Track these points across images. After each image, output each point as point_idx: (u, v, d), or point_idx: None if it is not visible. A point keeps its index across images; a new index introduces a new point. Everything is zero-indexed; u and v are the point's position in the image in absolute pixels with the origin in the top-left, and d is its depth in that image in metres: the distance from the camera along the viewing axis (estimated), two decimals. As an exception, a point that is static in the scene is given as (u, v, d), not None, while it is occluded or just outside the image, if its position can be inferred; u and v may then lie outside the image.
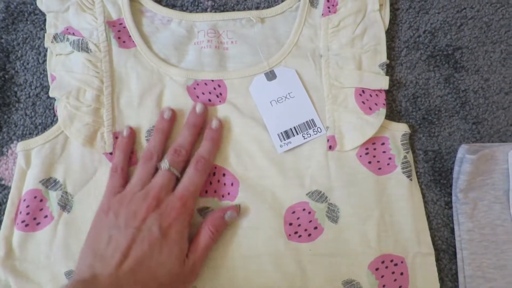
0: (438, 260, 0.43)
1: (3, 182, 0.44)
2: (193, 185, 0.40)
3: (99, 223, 0.38)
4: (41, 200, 0.42)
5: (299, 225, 0.43)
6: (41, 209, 0.42)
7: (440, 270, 0.42)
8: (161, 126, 0.43)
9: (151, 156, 0.40)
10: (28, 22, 0.48)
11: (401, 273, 0.42)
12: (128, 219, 0.37)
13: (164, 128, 0.43)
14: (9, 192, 0.43)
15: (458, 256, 0.43)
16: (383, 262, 0.42)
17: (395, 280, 0.42)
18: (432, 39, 0.49)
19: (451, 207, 0.44)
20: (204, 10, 0.49)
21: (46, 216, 0.42)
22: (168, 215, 0.37)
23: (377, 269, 0.42)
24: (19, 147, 0.43)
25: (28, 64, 0.47)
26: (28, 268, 0.41)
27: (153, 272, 0.35)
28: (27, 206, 0.42)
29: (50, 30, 0.46)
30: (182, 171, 0.41)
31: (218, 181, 0.44)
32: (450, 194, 0.45)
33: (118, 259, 0.34)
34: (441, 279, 0.42)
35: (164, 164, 0.39)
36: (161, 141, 0.42)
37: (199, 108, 0.43)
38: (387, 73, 0.46)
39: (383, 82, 0.45)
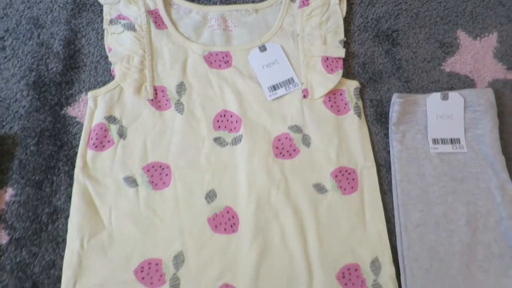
0: (379, 171, 0.62)
1: (77, 119, 0.63)
2: None
3: None
4: (105, 130, 0.61)
5: (283, 148, 0.62)
6: (105, 136, 0.61)
7: (380, 178, 0.62)
8: None
9: None
10: (90, 11, 0.68)
11: (353, 179, 0.61)
12: None
13: None
14: (82, 126, 0.61)
15: (392, 168, 0.62)
16: (340, 171, 0.61)
17: (348, 183, 0.61)
18: (377, 24, 0.69)
19: (387, 137, 0.64)
20: (215, 3, 0.69)
21: (109, 141, 0.61)
22: None
23: (336, 176, 0.61)
24: (89, 94, 0.62)
25: (90, 40, 0.67)
26: (97, 175, 0.59)
27: None
28: (96, 134, 0.60)
29: (106, 17, 0.66)
30: None
31: (227, 120, 0.63)
32: (387, 128, 0.64)
33: None
34: (380, 184, 0.61)
35: None
36: None
37: None
38: (344, 47, 0.66)
39: (341, 52, 0.65)
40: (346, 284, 0.56)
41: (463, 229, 0.59)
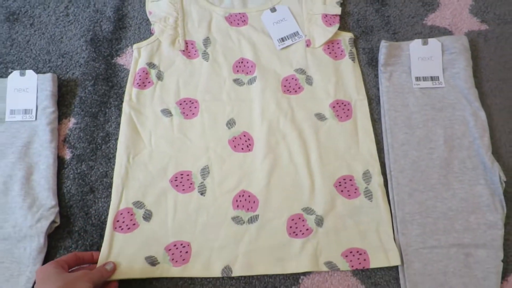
0: (370, 104, 0.74)
1: (124, 66, 0.78)
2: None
3: None
4: (146, 73, 0.76)
5: (290, 86, 0.76)
6: (146, 78, 0.76)
7: (371, 109, 0.74)
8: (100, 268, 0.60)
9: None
10: (134, -15, 0.85)
11: (348, 109, 0.74)
12: None
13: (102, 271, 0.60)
14: (128, 71, 0.77)
15: (381, 100, 0.74)
16: (337, 103, 0.74)
17: (344, 112, 0.73)
18: (368, -11, 0.83)
19: (377, 77, 0.77)
20: (234, -24, 0.85)
21: (149, 82, 0.76)
22: None
23: (334, 107, 0.74)
24: (135, 46, 0.78)
25: (135, 7, 0.83)
26: (140, 108, 0.74)
27: None
28: (139, 76, 0.76)
29: (147, -12, 0.82)
30: None
31: (244, 65, 0.77)
32: (377, 70, 0.77)
33: None
34: (371, 114, 0.74)
35: None
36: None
37: (109, 266, 0.61)
38: (340, 6, 0.80)
39: (338, 10, 0.79)
40: (342, 191, 0.68)
41: (441, 147, 0.70)
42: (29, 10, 0.83)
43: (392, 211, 0.67)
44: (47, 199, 0.68)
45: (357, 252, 0.64)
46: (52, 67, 0.78)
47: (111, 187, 0.69)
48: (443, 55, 0.75)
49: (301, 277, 0.64)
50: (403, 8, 0.81)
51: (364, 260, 0.64)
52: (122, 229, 0.66)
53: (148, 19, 0.81)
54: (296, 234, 0.65)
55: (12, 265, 0.65)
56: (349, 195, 0.68)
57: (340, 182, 0.69)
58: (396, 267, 0.64)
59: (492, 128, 0.71)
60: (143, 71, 0.76)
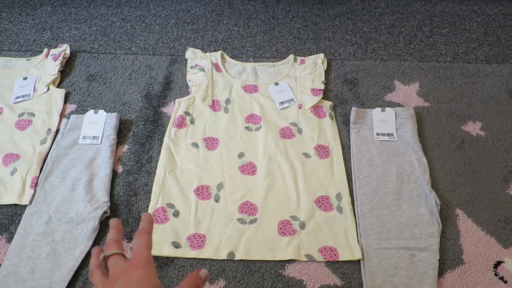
0: (343, 149, 1.02)
1: (167, 114, 1.08)
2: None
3: None
4: (183, 118, 1.06)
5: (285, 133, 1.05)
6: (183, 122, 1.06)
7: (343, 153, 1.02)
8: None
9: None
10: (179, 63, 1.20)
11: (327, 151, 1.01)
12: None
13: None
14: (169, 117, 1.07)
15: (351, 147, 1.02)
16: (319, 146, 1.02)
17: (324, 153, 1.01)
18: (345, 75, 1.17)
19: (349, 131, 1.06)
20: (250, 61, 1.20)
21: (185, 124, 1.05)
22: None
23: (316, 149, 1.01)
24: (176, 100, 1.09)
25: (178, 77, 1.17)
26: (176, 141, 1.02)
27: None
28: (178, 120, 1.05)
29: (188, 65, 1.17)
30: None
31: (253, 118, 1.07)
32: (349, 127, 1.07)
33: None
34: (343, 155, 1.01)
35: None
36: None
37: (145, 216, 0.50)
38: (324, 85, 1.13)
39: (322, 86, 1.11)
40: (320, 206, 0.93)
41: (394, 180, 0.96)
42: (103, 74, 1.17)
43: (357, 222, 0.90)
44: (102, 196, 0.92)
45: (330, 249, 0.86)
46: (116, 112, 1.09)
47: (149, 193, 0.94)
48: (396, 119, 1.05)
49: (286, 264, 0.85)
50: (369, 89, 1.14)
51: (335, 255, 0.85)
52: (157, 221, 0.89)
53: (187, 84, 1.14)
54: (284, 233, 0.88)
55: (71, 241, 0.87)
56: (325, 209, 0.92)
57: (319, 200, 0.93)
58: (359, 261, 0.85)
59: (432, 171, 0.98)
60: (181, 117, 1.06)
